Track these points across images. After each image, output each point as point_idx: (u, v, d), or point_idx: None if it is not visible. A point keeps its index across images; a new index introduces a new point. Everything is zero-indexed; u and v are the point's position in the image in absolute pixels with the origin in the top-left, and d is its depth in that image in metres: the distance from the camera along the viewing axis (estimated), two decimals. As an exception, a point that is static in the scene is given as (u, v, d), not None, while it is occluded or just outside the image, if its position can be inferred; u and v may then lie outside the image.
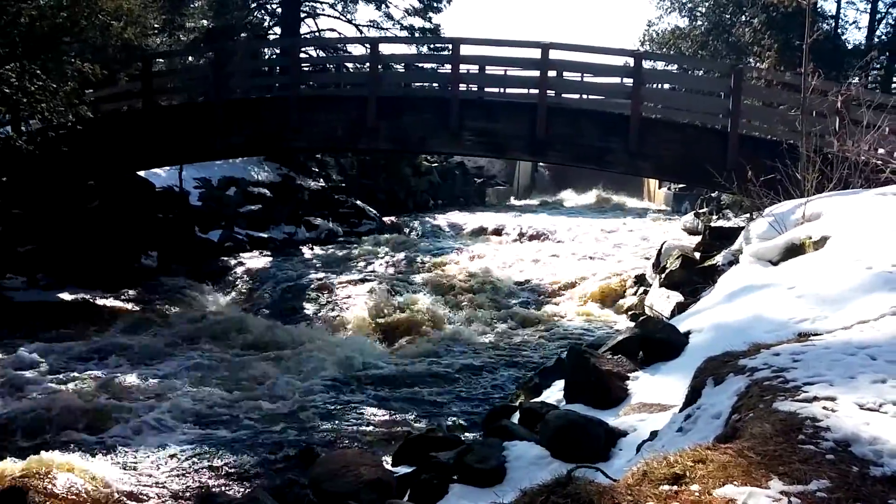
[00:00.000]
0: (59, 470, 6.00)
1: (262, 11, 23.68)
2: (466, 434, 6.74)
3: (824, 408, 2.57)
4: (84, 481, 5.92)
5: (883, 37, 20.56)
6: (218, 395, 8.45)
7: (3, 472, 5.82)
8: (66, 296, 12.73)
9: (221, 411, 7.93)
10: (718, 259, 8.82)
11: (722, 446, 2.46)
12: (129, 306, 12.81)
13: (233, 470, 6.51)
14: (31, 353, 9.63)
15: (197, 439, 7.18)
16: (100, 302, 12.80)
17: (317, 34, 23.99)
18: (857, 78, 11.17)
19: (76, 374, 8.97)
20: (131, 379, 8.87)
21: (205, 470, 6.49)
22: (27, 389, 8.39)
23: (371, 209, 21.98)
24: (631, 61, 12.34)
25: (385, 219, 21.84)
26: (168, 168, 16.79)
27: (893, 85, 19.79)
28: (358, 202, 22.01)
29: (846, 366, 2.96)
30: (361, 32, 23.89)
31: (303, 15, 23.37)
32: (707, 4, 22.33)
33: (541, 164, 32.64)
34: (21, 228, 13.13)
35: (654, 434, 3.47)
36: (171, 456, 6.75)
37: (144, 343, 10.43)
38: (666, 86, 16.70)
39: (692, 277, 9.42)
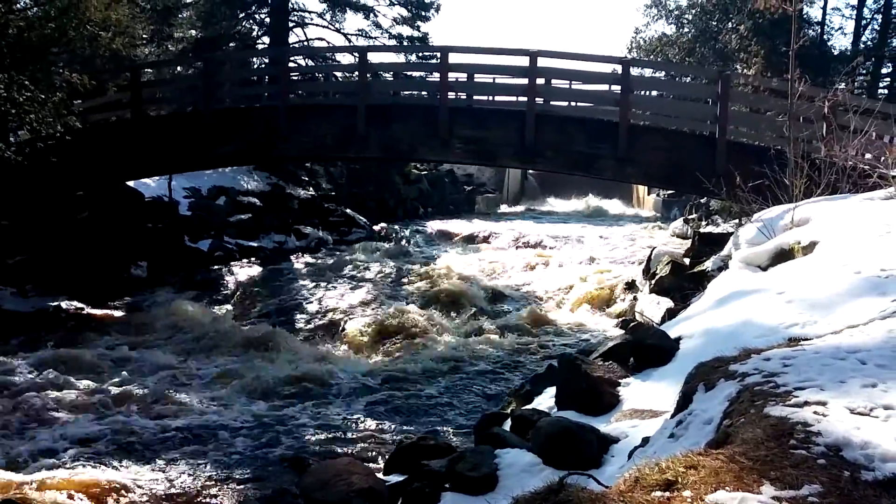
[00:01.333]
0: (50, 481, 5.96)
1: (251, 21, 23.68)
2: (458, 441, 6.72)
3: (815, 412, 2.57)
4: (74, 492, 5.87)
5: (868, 43, 20.73)
6: (207, 404, 8.41)
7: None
8: (55, 307, 12.63)
9: (211, 421, 7.88)
10: (708, 265, 8.87)
11: (714, 452, 2.46)
12: (119, 316, 12.73)
13: (223, 480, 6.46)
14: (20, 364, 9.56)
15: (187, 449, 7.13)
16: (89, 312, 12.71)
17: (305, 43, 24.01)
18: (843, 83, 11.25)
19: (65, 385, 8.88)
20: (120, 389, 8.80)
21: (195, 480, 6.45)
22: (16, 401, 8.32)
23: (361, 217, 21.97)
24: (619, 68, 12.39)
25: (375, 227, 21.84)
26: (157, 178, 16.74)
27: (880, 90, 19.96)
28: (348, 210, 22.00)
29: (836, 370, 2.97)
30: (350, 41, 23.93)
31: (291, 24, 23.39)
32: (694, 12, 22.44)
33: (530, 171, 32.71)
34: (10, 239, 13.04)
35: (645, 440, 3.47)
36: (162, 466, 6.71)
37: (134, 353, 10.35)
38: (654, 92, 16.80)
39: (682, 283, 9.47)
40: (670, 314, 8.02)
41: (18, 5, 11.74)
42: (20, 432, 7.46)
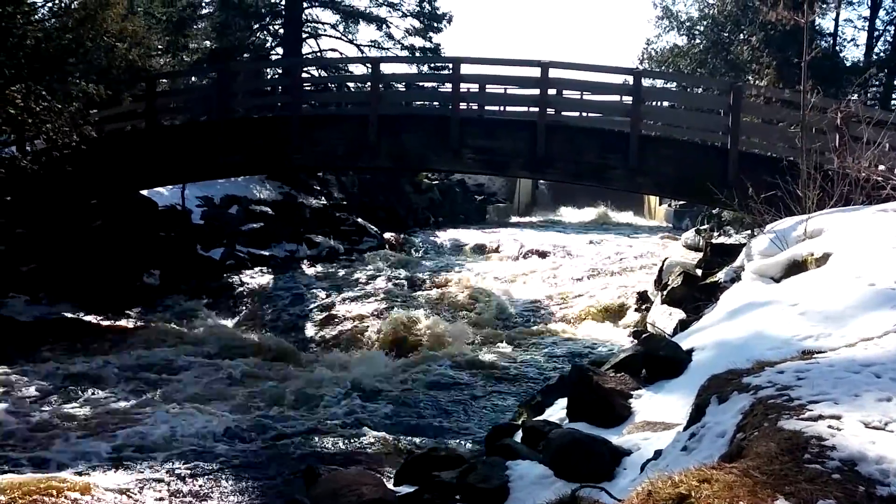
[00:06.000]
0: (59, 488, 5.98)
1: (265, 32, 23.90)
2: (469, 452, 6.71)
3: (830, 426, 2.56)
4: (84, 500, 5.89)
5: (881, 54, 20.64)
6: (218, 413, 8.42)
7: (3, 490, 5.80)
8: (67, 315, 12.73)
9: (222, 430, 7.90)
10: (720, 276, 8.83)
11: (727, 465, 2.45)
12: (131, 325, 12.80)
13: (233, 489, 6.48)
14: (32, 372, 9.64)
15: (197, 458, 7.15)
16: (101, 321, 12.80)
17: (318, 54, 24.18)
18: (856, 95, 11.20)
19: (78, 393, 8.96)
20: (132, 397, 8.86)
21: (205, 489, 6.46)
22: (28, 408, 8.38)
23: (372, 227, 22.01)
24: (630, 79, 12.40)
25: (386, 236, 21.86)
26: (171, 187, 16.86)
27: (892, 101, 19.85)
28: (359, 220, 22.05)
29: (851, 384, 2.95)
30: (363, 52, 24.09)
31: (304, 35, 23.57)
32: (705, 23, 22.42)
33: (541, 181, 32.69)
34: (24, 247, 13.16)
35: (658, 453, 3.45)
36: (172, 474, 6.73)
37: (146, 361, 10.41)
38: (665, 103, 16.78)
39: (694, 294, 9.42)
40: (682, 325, 7.99)
41: (36, 17, 11.91)
42: (29, 441, 7.50)
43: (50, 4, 12.60)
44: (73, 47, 11.04)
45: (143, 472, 6.74)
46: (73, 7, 11.97)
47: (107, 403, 8.61)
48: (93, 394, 8.95)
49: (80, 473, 6.62)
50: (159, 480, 6.59)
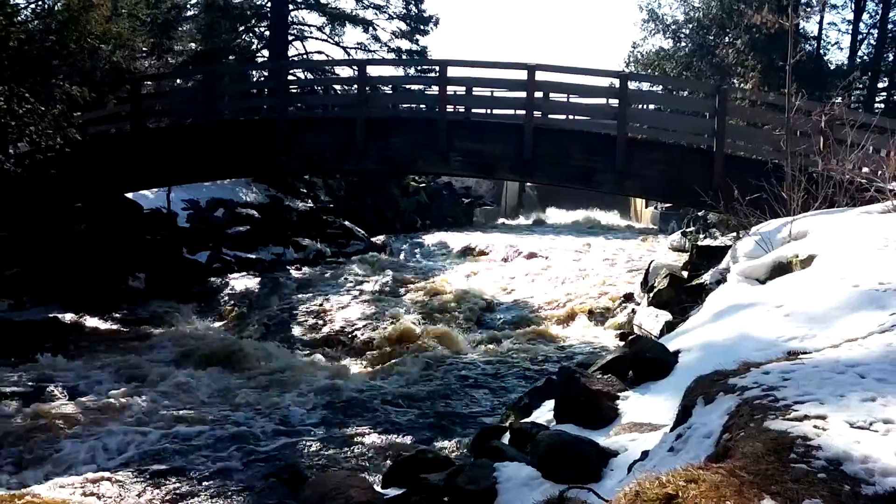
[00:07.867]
0: (40, 495, 5.92)
1: (251, 35, 23.83)
2: (457, 455, 6.70)
3: (815, 426, 2.57)
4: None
5: (865, 57, 20.87)
6: (204, 418, 8.35)
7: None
8: (51, 318, 12.59)
9: (207, 434, 7.83)
10: (706, 278, 8.87)
11: (714, 466, 2.46)
12: (116, 328, 12.69)
13: (220, 494, 6.42)
14: (15, 376, 9.52)
15: (182, 464, 7.08)
16: (86, 324, 12.68)
17: (305, 56, 24.13)
18: (840, 98, 11.29)
19: (59, 397, 8.84)
20: (115, 402, 8.74)
21: (191, 495, 6.40)
22: (7, 412, 8.27)
23: (359, 230, 21.98)
24: (616, 82, 12.47)
25: (373, 239, 21.84)
26: (156, 190, 16.76)
27: (876, 104, 20.07)
28: (346, 223, 22.02)
29: (836, 384, 2.97)
30: (349, 55, 24.08)
31: (290, 38, 23.53)
32: (691, 26, 22.58)
33: (528, 183, 32.78)
34: (7, 251, 13.03)
35: (645, 454, 3.46)
36: (156, 481, 6.66)
37: (129, 366, 10.30)
38: (651, 106, 16.87)
39: (680, 296, 9.46)
40: (669, 327, 8.03)
41: (19, 18, 11.80)
42: (6, 444, 7.41)
43: (33, 6, 12.49)
44: (56, 49, 10.95)
45: (121, 480, 6.66)
46: (56, 9, 11.87)
47: (86, 408, 8.50)
48: (71, 399, 8.82)
49: (53, 478, 6.54)
50: (137, 488, 6.52)
